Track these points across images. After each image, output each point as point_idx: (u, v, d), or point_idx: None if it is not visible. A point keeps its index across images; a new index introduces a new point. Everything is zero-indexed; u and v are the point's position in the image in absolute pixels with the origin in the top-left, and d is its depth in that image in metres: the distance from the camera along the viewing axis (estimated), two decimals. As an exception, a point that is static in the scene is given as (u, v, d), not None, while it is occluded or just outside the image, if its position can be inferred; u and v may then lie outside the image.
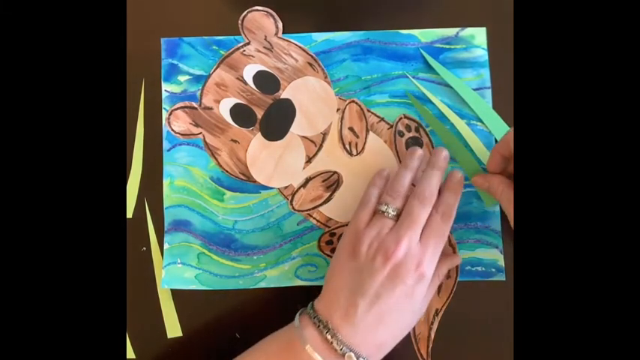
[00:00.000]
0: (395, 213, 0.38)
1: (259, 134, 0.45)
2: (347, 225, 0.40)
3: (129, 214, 0.46)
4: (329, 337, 0.35)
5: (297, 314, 0.38)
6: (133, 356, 0.45)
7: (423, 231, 0.38)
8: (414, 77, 0.45)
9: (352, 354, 0.34)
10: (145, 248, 0.46)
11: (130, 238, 0.45)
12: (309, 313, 0.37)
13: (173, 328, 0.45)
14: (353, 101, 0.45)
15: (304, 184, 0.45)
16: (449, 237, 0.44)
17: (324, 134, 0.45)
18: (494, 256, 0.44)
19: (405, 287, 0.36)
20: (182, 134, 0.46)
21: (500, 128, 0.44)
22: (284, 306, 0.41)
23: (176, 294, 0.45)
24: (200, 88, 0.46)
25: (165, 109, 0.46)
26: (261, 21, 0.46)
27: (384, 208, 0.38)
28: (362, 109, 0.45)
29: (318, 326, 0.36)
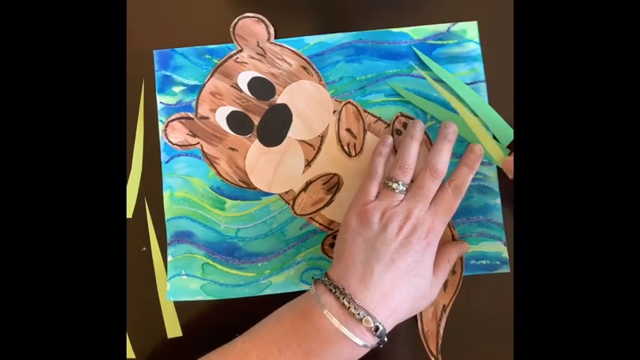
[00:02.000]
0: (405, 188, 0.40)
1: (257, 141, 0.45)
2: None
3: (129, 214, 0.46)
4: (346, 302, 0.35)
5: (312, 283, 0.38)
6: (133, 356, 0.45)
7: (433, 200, 0.39)
8: (408, 75, 0.45)
9: (369, 318, 0.35)
10: (144, 248, 0.46)
11: (130, 238, 0.45)
12: (324, 281, 0.37)
13: (173, 328, 0.45)
14: (349, 102, 0.45)
15: (305, 188, 0.45)
16: (452, 232, 0.44)
17: (322, 137, 0.45)
18: (497, 248, 0.44)
19: (416, 253, 0.37)
20: (180, 145, 0.46)
21: (496, 122, 0.44)
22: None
23: (176, 294, 0.45)
24: (195, 98, 0.46)
25: (161, 120, 0.46)
26: (253, 27, 0.46)
27: (394, 185, 0.40)
28: (358, 109, 0.45)
29: (335, 292, 0.36)
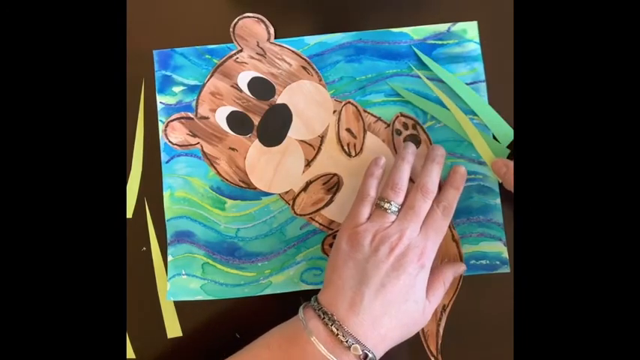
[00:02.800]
0: (397, 209, 0.39)
1: (257, 141, 0.45)
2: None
3: (129, 214, 0.46)
4: (334, 329, 0.35)
5: (301, 307, 0.38)
6: (133, 356, 0.45)
7: (423, 223, 0.39)
8: (408, 75, 0.45)
9: (358, 346, 0.34)
10: (145, 248, 0.46)
11: (130, 238, 0.45)
12: (313, 306, 0.37)
13: (173, 328, 0.45)
14: (349, 102, 0.45)
15: (305, 188, 0.45)
16: (452, 232, 0.44)
17: (322, 137, 0.45)
18: (497, 248, 0.44)
19: (408, 277, 0.37)
20: (180, 145, 0.46)
21: (496, 121, 0.44)
22: (284, 305, 0.41)
23: (176, 294, 0.45)
24: (195, 98, 0.46)
25: (161, 121, 0.46)
26: (253, 27, 0.46)
27: (386, 205, 0.39)
28: (358, 109, 0.45)
29: (323, 318, 0.36)
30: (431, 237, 0.38)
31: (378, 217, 0.39)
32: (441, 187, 0.41)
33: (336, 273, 0.38)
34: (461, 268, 0.43)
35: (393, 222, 0.39)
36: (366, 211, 0.40)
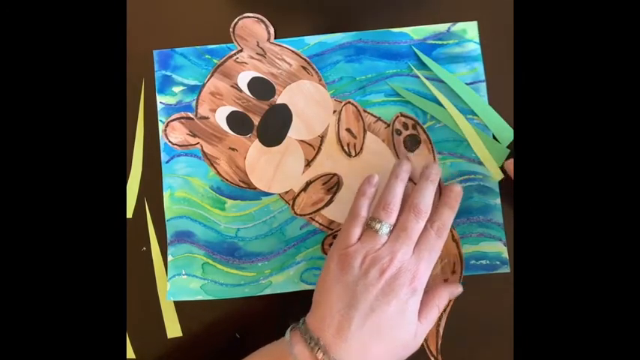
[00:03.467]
0: (388, 230, 0.38)
1: (257, 141, 0.45)
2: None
3: (129, 214, 0.46)
4: (320, 354, 0.34)
5: (288, 330, 0.37)
6: (133, 356, 0.45)
7: (416, 244, 0.38)
8: (408, 75, 0.45)
9: None
10: (145, 248, 0.46)
11: (130, 238, 0.45)
12: (301, 329, 0.36)
13: (173, 328, 0.45)
14: (349, 102, 0.45)
15: (305, 188, 0.45)
16: (452, 232, 0.44)
17: (322, 137, 0.45)
18: (497, 248, 0.44)
19: (399, 302, 0.36)
20: (180, 145, 0.46)
21: (496, 122, 0.44)
22: (284, 305, 0.41)
23: (176, 295, 0.45)
24: (195, 98, 0.46)
25: (161, 121, 0.46)
26: (253, 27, 0.46)
27: (377, 226, 0.38)
28: (358, 109, 0.45)
29: (310, 343, 0.35)
30: (424, 259, 0.37)
31: (369, 238, 0.38)
32: (441, 191, 0.41)
33: (325, 295, 0.37)
34: (457, 290, 0.41)
35: (385, 243, 0.37)
36: (356, 231, 0.38)
